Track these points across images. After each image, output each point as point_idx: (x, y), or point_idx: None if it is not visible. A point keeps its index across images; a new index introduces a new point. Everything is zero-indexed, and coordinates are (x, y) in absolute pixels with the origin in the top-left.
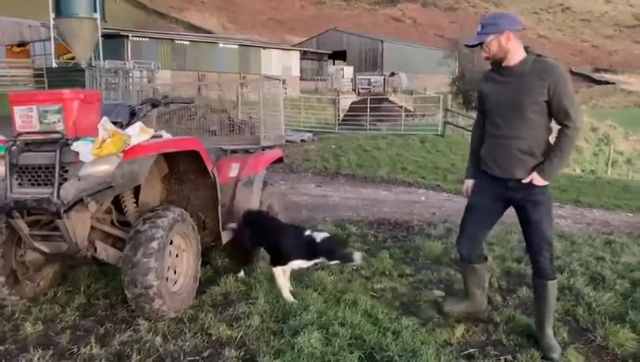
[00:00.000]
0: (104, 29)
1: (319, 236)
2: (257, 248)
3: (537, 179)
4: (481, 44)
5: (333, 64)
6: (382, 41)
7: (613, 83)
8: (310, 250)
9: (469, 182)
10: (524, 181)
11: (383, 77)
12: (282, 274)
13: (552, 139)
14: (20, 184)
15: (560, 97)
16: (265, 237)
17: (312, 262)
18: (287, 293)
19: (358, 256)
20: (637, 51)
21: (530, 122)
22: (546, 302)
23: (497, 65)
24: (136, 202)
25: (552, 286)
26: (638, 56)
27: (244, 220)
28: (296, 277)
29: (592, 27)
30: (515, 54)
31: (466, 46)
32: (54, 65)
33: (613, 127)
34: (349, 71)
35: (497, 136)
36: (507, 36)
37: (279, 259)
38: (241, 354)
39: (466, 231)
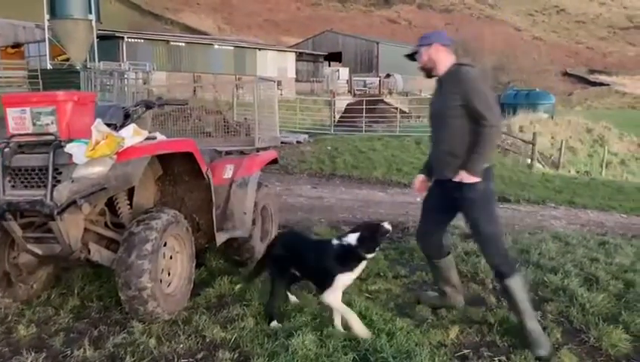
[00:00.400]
0: (99, 30)
1: (352, 239)
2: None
3: (465, 177)
4: (414, 54)
5: (329, 65)
6: (377, 43)
7: (608, 84)
8: (354, 257)
9: (419, 177)
10: (454, 180)
11: (378, 78)
12: (340, 299)
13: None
14: (13, 186)
15: (471, 101)
16: (301, 267)
17: (360, 269)
18: (359, 324)
19: (387, 225)
20: (631, 53)
21: (450, 126)
22: (514, 299)
23: (429, 75)
24: (130, 204)
25: (514, 283)
26: (633, 57)
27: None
28: None
29: (586, 29)
30: (443, 65)
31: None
32: (49, 66)
33: (608, 129)
34: (344, 72)
35: (432, 141)
36: (436, 48)
37: (329, 286)
38: (235, 356)
39: (421, 229)
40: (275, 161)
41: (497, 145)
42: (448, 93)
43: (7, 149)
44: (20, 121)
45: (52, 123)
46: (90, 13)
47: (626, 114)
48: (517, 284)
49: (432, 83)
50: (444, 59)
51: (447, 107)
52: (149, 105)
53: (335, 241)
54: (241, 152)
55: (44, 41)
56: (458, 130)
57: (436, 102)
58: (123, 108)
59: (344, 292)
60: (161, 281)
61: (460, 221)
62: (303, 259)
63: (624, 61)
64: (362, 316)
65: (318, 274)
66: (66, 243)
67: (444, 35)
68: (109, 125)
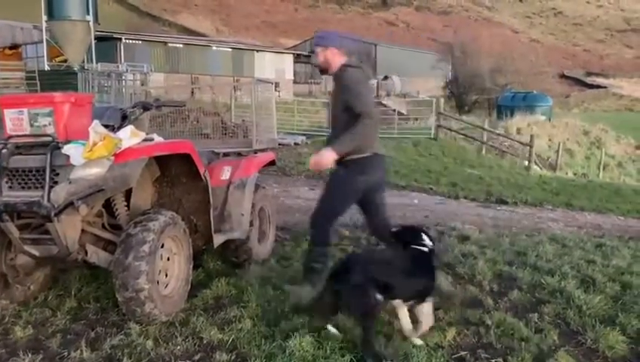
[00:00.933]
0: (97, 31)
1: (428, 240)
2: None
3: (324, 151)
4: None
5: None
6: (375, 45)
7: (605, 87)
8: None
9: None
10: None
11: (376, 80)
12: None
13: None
14: (11, 187)
15: (348, 98)
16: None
17: None
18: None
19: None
20: (628, 55)
21: (341, 120)
22: (308, 261)
23: (324, 73)
24: (128, 205)
25: (315, 252)
26: (630, 60)
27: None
28: (291, 280)
29: (583, 31)
30: (335, 66)
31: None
32: (47, 67)
33: (605, 131)
34: None
35: (331, 131)
36: (331, 51)
37: (427, 291)
38: (233, 357)
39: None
40: (272, 163)
41: (499, 148)
42: (336, 93)
43: (4, 150)
44: (17, 122)
45: (50, 124)
46: (88, 14)
47: (623, 116)
48: (316, 254)
49: (429, 85)
50: (337, 61)
51: (337, 103)
52: (146, 107)
53: (427, 249)
54: (239, 154)
55: (41, 42)
56: (347, 124)
57: (331, 98)
58: (120, 109)
59: None
60: (158, 283)
61: (456, 222)
62: (408, 277)
63: (621, 63)
64: None
65: (423, 284)
66: (63, 244)
67: (339, 38)
68: (106, 126)
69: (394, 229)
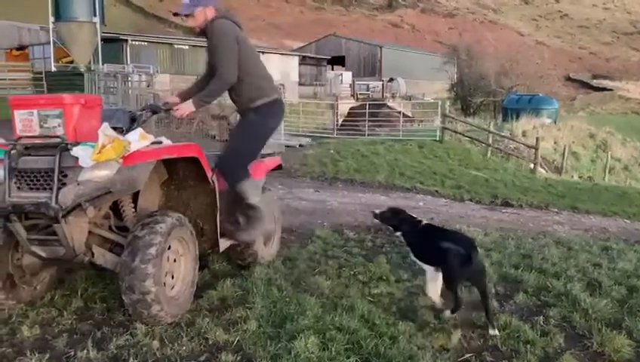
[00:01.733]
0: (103, 32)
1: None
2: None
3: (182, 107)
4: (190, 15)
5: (332, 69)
6: (380, 47)
7: (611, 89)
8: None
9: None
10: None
11: (381, 82)
12: None
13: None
14: (19, 188)
15: (212, 52)
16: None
17: None
18: None
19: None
20: (635, 58)
21: (213, 71)
22: (242, 199)
23: (202, 35)
24: (135, 208)
25: (241, 186)
26: (636, 62)
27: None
28: (294, 281)
29: (590, 34)
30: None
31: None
32: (53, 68)
33: (611, 134)
34: (347, 76)
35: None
36: (211, 9)
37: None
38: (238, 358)
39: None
40: (279, 167)
41: (504, 151)
42: (208, 48)
43: (13, 151)
44: (27, 123)
45: (59, 125)
46: (95, 15)
47: (629, 119)
48: (245, 190)
49: (434, 87)
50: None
51: (210, 60)
52: (155, 110)
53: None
54: None
55: (48, 43)
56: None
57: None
58: (129, 112)
59: (346, 296)
60: (164, 285)
61: (462, 225)
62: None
63: (627, 66)
64: (365, 319)
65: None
66: (70, 246)
67: None
68: (115, 129)
69: (377, 211)
